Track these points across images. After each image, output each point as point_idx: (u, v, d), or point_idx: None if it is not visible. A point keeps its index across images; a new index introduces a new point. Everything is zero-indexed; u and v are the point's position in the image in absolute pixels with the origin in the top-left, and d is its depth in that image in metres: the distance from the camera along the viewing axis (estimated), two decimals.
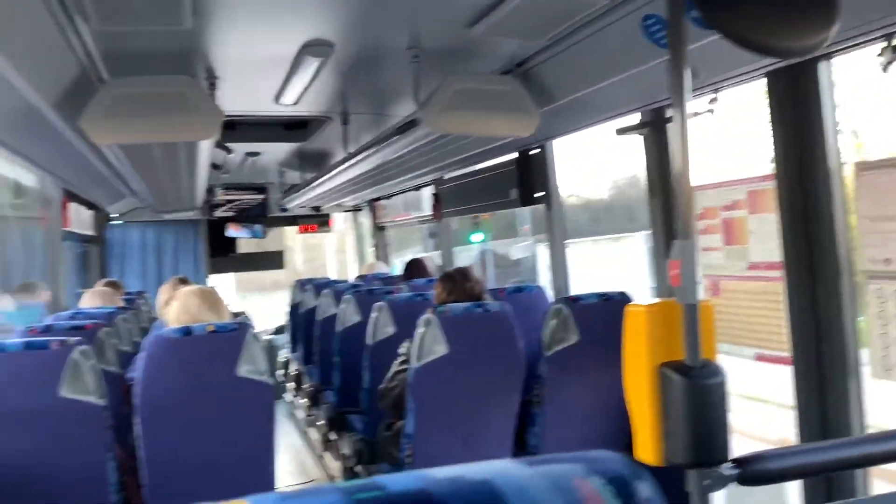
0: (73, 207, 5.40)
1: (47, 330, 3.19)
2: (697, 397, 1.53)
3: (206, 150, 3.40)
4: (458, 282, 3.10)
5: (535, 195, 4.11)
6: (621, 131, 3.26)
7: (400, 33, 2.86)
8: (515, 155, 4.28)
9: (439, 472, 0.45)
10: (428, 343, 2.89)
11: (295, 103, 3.90)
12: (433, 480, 0.44)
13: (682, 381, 1.55)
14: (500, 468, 0.45)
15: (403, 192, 6.60)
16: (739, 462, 1.46)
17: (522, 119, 2.97)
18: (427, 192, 6.05)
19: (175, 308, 2.93)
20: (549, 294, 3.91)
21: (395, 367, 3.14)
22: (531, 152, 4.16)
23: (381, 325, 3.63)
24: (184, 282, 5.04)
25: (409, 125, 3.18)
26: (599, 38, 2.56)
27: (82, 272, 6.60)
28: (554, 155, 4.04)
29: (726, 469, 1.48)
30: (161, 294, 4.81)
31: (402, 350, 3.15)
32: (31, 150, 3.39)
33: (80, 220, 5.82)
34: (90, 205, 6.18)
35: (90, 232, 6.40)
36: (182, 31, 2.56)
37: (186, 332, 2.62)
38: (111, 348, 3.22)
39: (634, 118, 3.28)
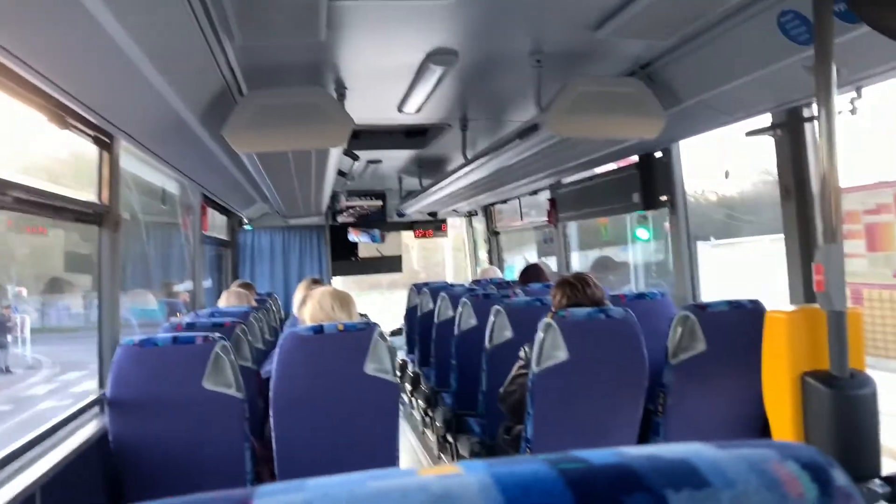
0: (210, 213, 5.77)
1: (191, 326, 3.42)
2: (845, 409, 1.45)
3: (335, 157, 3.55)
4: (578, 287, 3.07)
5: (660, 198, 4.00)
6: (752, 133, 3.13)
7: (523, 39, 2.88)
8: (636, 158, 4.20)
9: (633, 450, 0.46)
10: (548, 348, 2.88)
11: (417, 111, 4.01)
12: (631, 456, 0.45)
13: (829, 392, 1.47)
14: (693, 449, 0.45)
15: (519, 196, 6.60)
16: (891, 480, 1.38)
17: (648, 121, 2.92)
18: (543, 197, 6.03)
19: (310, 307, 3.07)
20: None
21: (514, 371, 3.15)
22: (655, 155, 4.06)
23: (498, 329, 3.65)
24: (317, 282, 5.29)
25: (529, 129, 3.18)
26: (731, 36, 2.48)
27: (216, 273, 7.02)
28: (680, 156, 3.93)
29: (876, 486, 1.40)
30: (297, 293, 5.08)
31: (521, 355, 3.15)
32: (177, 159, 3.65)
33: (216, 225, 6.21)
34: (225, 211, 6.58)
35: (224, 236, 6.82)
36: (316, 44, 2.69)
37: (318, 329, 2.74)
38: (247, 345, 3.41)
39: (765, 119, 3.14)
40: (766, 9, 2.22)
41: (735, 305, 2.89)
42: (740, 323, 2.88)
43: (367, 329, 2.80)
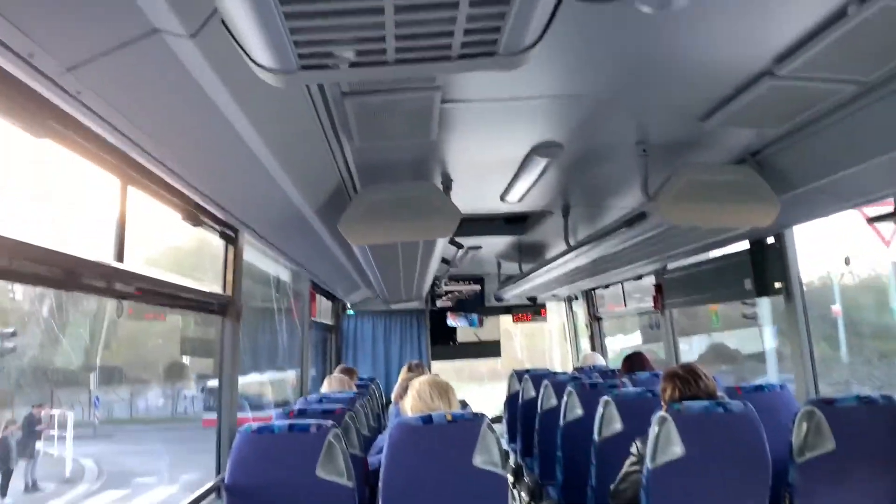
0: (318, 299, 5.98)
1: (302, 413, 3.50)
2: None
3: (440, 246, 3.64)
4: (689, 380, 2.96)
5: (775, 285, 3.85)
6: (875, 220, 3.00)
7: (629, 129, 2.91)
8: (747, 244, 4.08)
9: None
10: (663, 443, 2.76)
11: (520, 200, 4.08)
12: None
13: None
14: None
15: (622, 282, 6.50)
16: None
17: (760, 208, 2.85)
18: (648, 282, 5.91)
19: (410, 397, 3.10)
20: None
21: (626, 466, 3.03)
22: (767, 240, 3.94)
23: (608, 421, 3.54)
24: (418, 366, 5.34)
25: (637, 217, 3.17)
26: (846, 123, 2.43)
27: (320, 358, 7.20)
28: (795, 242, 3.79)
29: None
30: (401, 377, 5.15)
31: (633, 450, 3.03)
32: (293, 249, 3.85)
33: (322, 310, 6.41)
34: (330, 296, 6.80)
35: (329, 321, 7.02)
36: (425, 143, 2.82)
37: (427, 420, 2.75)
38: (355, 432, 3.45)
39: (888, 204, 3.01)
40: (885, 96, 2.17)
41: (866, 401, 2.71)
42: (873, 420, 2.69)
43: (475, 420, 2.78)
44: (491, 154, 3.22)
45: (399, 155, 3.04)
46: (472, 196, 3.96)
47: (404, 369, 5.46)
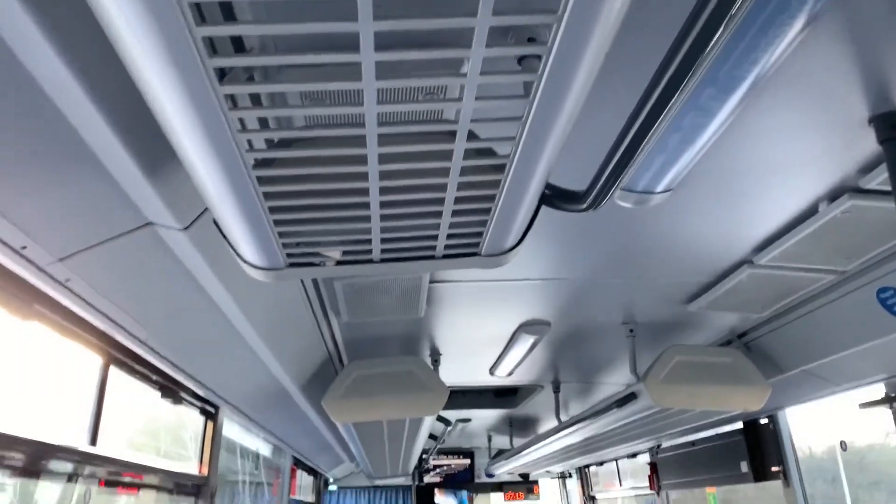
0: (298, 474, 5.72)
1: None
2: None
3: (428, 422, 3.54)
4: None
5: (772, 469, 3.72)
6: (866, 405, 2.96)
7: (615, 311, 2.95)
8: (740, 425, 4.00)
9: None
10: None
11: (509, 374, 4.03)
12: None
13: None
14: None
15: (615, 459, 6.29)
16: None
17: (750, 391, 2.82)
18: (643, 460, 5.72)
19: None
20: None
21: None
22: (760, 421, 3.86)
23: None
24: None
25: (627, 398, 3.12)
26: (830, 309, 2.47)
27: None
28: (789, 423, 3.71)
29: None
30: None
31: None
32: (274, 424, 3.73)
33: (303, 485, 6.12)
34: (311, 471, 6.52)
35: (310, 498, 6.67)
36: (414, 320, 2.84)
37: None
38: None
39: (879, 389, 2.98)
40: (863, 285, 2.22)
41: None
42: None
43: None
44: (480, 330, 3.23)
45: (387, 330, 3.04)
46: (460, 369, 3.92)
47: None
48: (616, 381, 4.11)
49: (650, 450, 5.40)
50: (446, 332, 3.27)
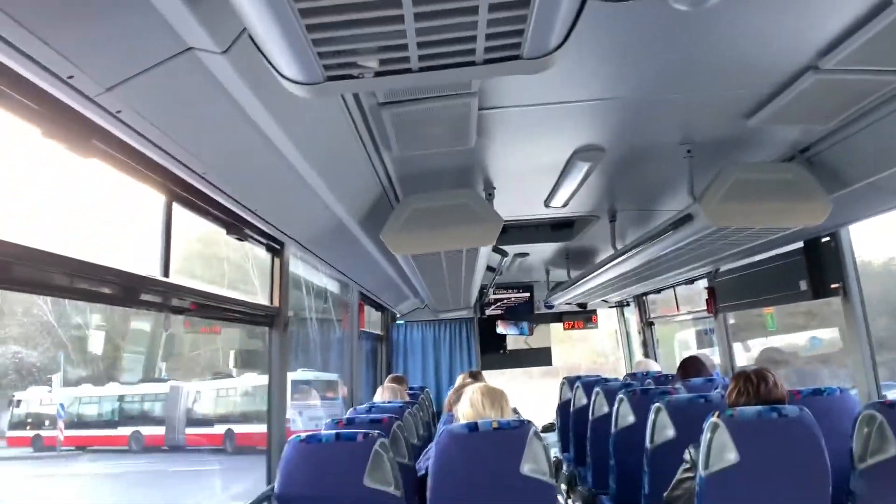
0: (366, 310, 6.03)
1: (351, 422, 3.53)
2: None
3: (484, 254, 3.63)
4: (755, 382, 2.86)
5: (831, 286, 3.72)
6: None
7: (672, 131, 2.86)
8: (801, 244, 3.96)
9: None
10: (715, 450, 2.69)
11: (564, 205, 4.04)
12: None
13: None
14: None
15: (673, 286, 6.38)
16: None
17: (811, 207, 2.76)
18: (701, 285, 5.78)
19: (462, 405, 3.09)
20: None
21: (679, 473, 2.95)
22: (822, 239, 3.81)
23: (660, 427, 3.46)
24: (475, 375, 5.33)
25: (682, 220, 3.11)
26: None
27: (370, 368, 7.25)
28: (852, 241, 3.65)
29: None
30: (457, 384, 5.17)
31: (686, 457, 2.96)
32: (338, 261, 3.89)
33: (371, 321, 6.47)
34: (379, 307, 6.85)
35: (379, 331, 7.07)
36: (465, 151, 2.82)
37: (472, 427, 2.74)
38: (403, 441, 3.46)
39: None
40: None
41: None
42: None
43: (521, 427, 2.76)
44: (532, 159, 3.20)
45: (439, 163, 3.05)
46: (515, 202, 3.94)
47: (462, 377, 5.46)
48: (673, 207, 4.07)
49: (708, 275, 5.45)
50: (499, 164, 3.26)
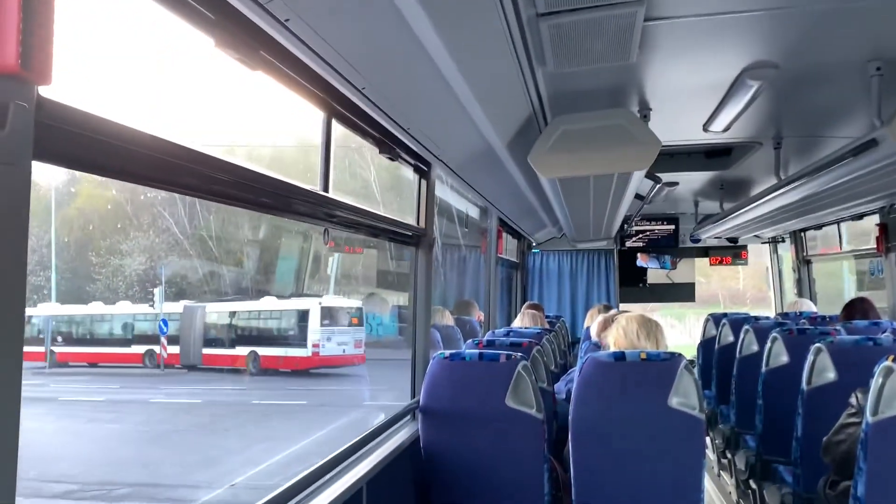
0: (504, 237, 6.02)
1: (490, 345, 3.57)
2: None
3: (636, 180, 3.47)
4: None
5: None
6: None
7: (859, 45, 2.56)
8: None
9: None
10: (888, 396, 2.48)
11: (724, 130, 3.77)
12: None
13: None
14: None
15: (837, 221, 5.88)
16: None
17: None
18: (869, 222, 5.29)
19: (614, 332, 3.03)
20: None
21: (843, 418, 2.76)
22: None
23: (819, 369, 3.25)
24: (607, 308, 5.26)
25: (864, 146, 2.81)
26: None
27: (505, 295, 7.30)
28: None
29: None
30: (588, 320, 5.12)
31: (852, 401, 2.76)
32: (482, 184, 3.86)
33: (508, 248, 6.46)
34: (516, 234, 6.82)
35: (515, 259, 7.06)
36: (624, 67, 2.66)
37: (619, 356, 2.69)
38: (543, 366, 3.46)
39: None
40: None
41: None
42: None
43: (671, 360, 2.67)
44: (695, 78, 2.99)
45: (594, 81, 2.91)
46: (670, 126, 3.72)
47: (593, 310, 5.39)
48: (849, 133, 3.69)
49: (881, 210, 4.97)
50: (657, 83, 3.07)
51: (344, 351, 12.94)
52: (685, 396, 2.60)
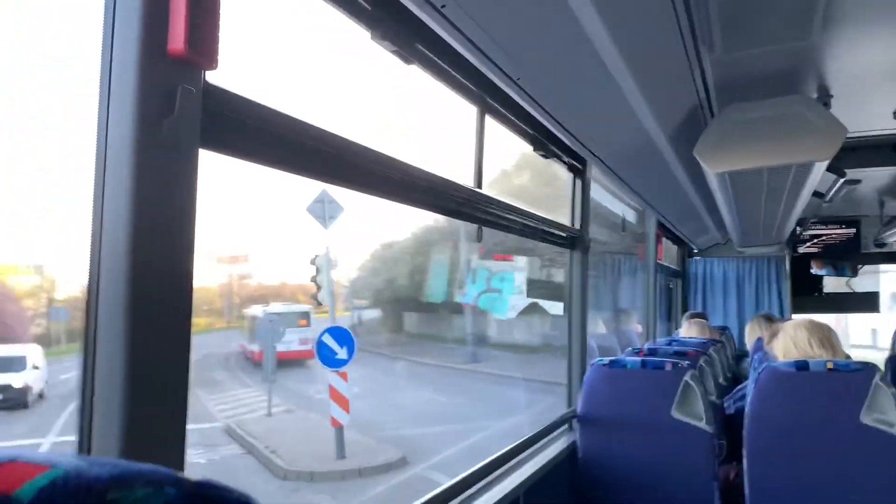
0: (663, 242, 5.73)
1: (652, 353, 3.37)
2: None
3: (815, 173, 3.15)
4: None
5: None
6: None
7: None
8: None
9: None
10: None
11: None
12: None
13: None
14: None
15: None
16: None
17: None
18: None
19: (782, 341, 2.76)
20: None
21: None
22: None
23: None
24: (769, 319, 4.85)
25: None
26: None
27: (665, 304, 6.94)
28: None
29: None
30: (749, 332, 4.74)
31: None
32: (640, 184, 3.67)
33: (668, 255, 6.14)
34: (676, 240, 6.47)
35: (674, 266, 6.70)
36: (800, 48, 2.42)
37: (802, 366, 2.42)
38: (711, 378, 3.22)
39: None
40: None
41: None
42: None
43: (863, 371, 2.37)
44: (886, 57, 2.65)
45: (765, 65, 2.66)
46: (855, 115, 3.34)
47: (755, 321, 4.97)
48: None
49: None
50: (840, 65, 2.76)
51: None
52: (882, 413, 2.30)
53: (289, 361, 15.22)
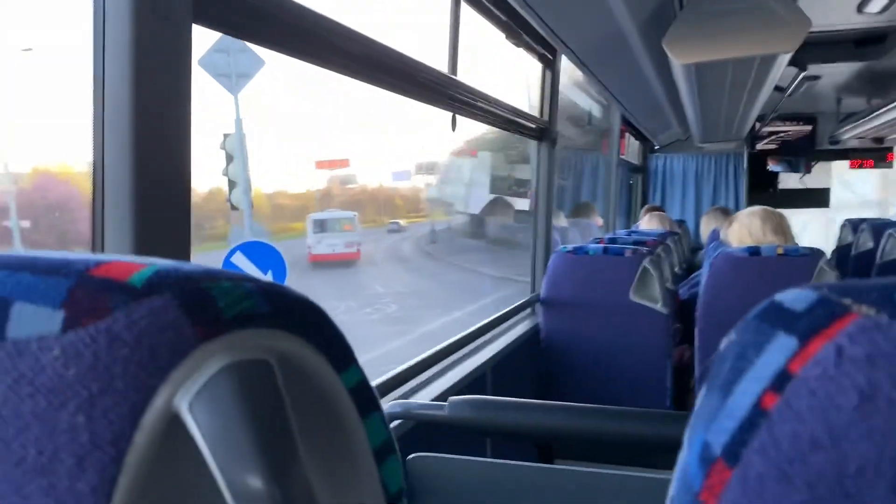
0: (626, 137, 5.80)
1: (613, 241, 3.50)
2: None
3: (778, 67, 3.21)
4: None
5: None
6: None
7: None
8: None
9: None
10: None
11: (882, 10, 3.40)
12: None
13: None
14: None
15: None
16: None
17: None
18: None
19: (735, 229, 2.90)
20: None
21: None
22: None
23: None
24: (724, 212, 5.03)
25: None
26: None
27: (626, 198, 7.10)
28: None
29: None
30: (704, 224, 4.93)
31: None
32: (608, 77, 3.69)
33: (630, 150, 6.23)
34: (638, 135, 6.55)
35: (636, 161, 6.82)
36: None
37: (753, 251, 2.56)
38: (668, 266, 3.37)
39: None
40: None
41: None
42: None
43: (811, 256, 2.53)
44: None
45: None
46: (817, 7, 3.38)
47: (708, 215, 5.16)
48: None
49: None
50: None
51: (333, 250, 16.86)
52: None
53: (334, 263, 16.78)
